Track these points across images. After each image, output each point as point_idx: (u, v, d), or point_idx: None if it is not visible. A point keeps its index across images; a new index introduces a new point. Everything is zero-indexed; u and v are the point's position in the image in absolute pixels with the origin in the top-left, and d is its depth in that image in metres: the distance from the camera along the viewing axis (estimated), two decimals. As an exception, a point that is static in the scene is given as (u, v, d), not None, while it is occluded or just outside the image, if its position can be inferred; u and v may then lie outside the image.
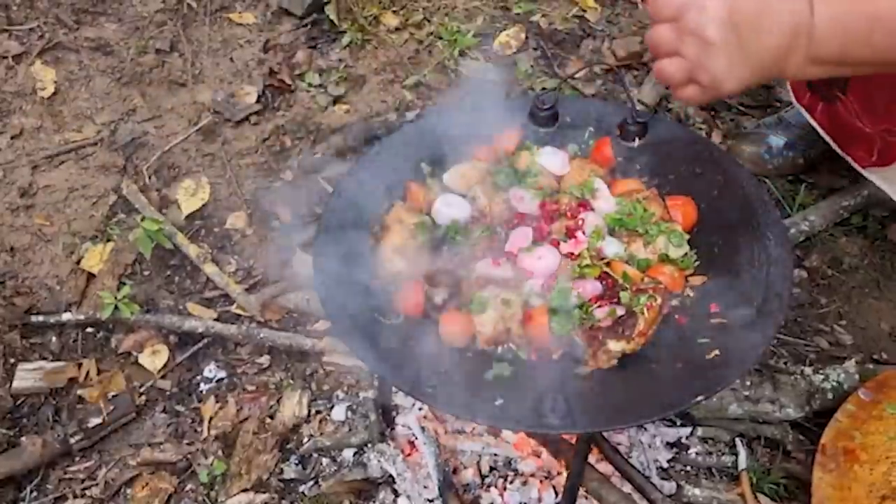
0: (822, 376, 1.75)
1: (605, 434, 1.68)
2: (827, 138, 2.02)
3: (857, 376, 1.74)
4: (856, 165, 1.95)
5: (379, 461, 1.67)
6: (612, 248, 1.44)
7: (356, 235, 1.47)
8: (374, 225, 1.49)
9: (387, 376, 1.23)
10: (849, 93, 1.87)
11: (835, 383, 1.74)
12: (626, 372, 1.26)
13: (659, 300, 1.33)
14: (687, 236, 1.46)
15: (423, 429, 1.68)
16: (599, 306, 1.34)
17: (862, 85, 1.83)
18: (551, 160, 1.58)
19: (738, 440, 1.75)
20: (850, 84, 1.86)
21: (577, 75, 2.58)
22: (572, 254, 1.44)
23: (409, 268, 1.41)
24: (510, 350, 1.33)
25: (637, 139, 1.60)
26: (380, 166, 1.58)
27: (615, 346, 1.28)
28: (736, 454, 1.73)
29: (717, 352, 1.25)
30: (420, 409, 1.74)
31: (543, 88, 2.52)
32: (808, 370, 1.78)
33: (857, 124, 1.88)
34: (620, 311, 1.32)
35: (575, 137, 1.64)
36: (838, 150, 2.00)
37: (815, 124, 2.04)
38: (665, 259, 1.43)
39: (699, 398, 1.17)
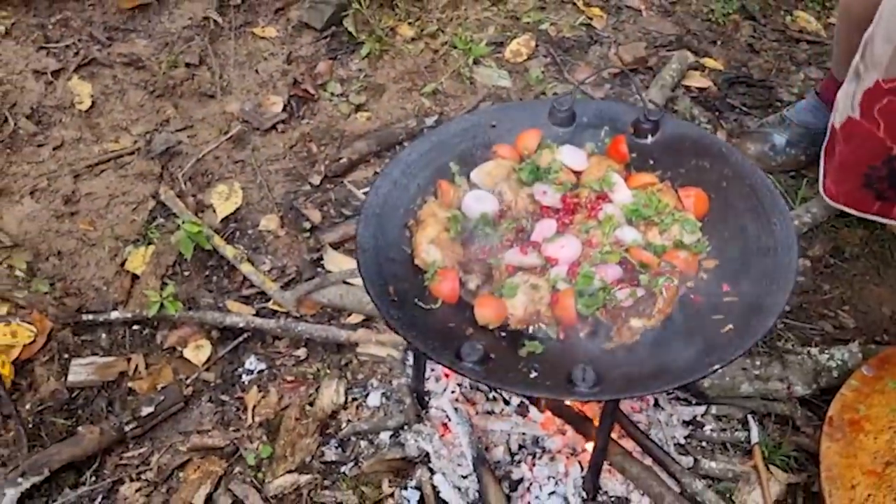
0: (827, 356, 1.86)
1: (625, 413, 1.80)
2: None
3: (860, 355, 1.85)
4: None
5: (416, 441, 1.78)
6: (630, 235, 1.56)
7: (394, 229, 1.59)
8: (409, 219, 1.62)
9: (431, 355, 1.35)
10: None
11: (839, 362, 1.85)
12: (648, 345, 1.39)
13: (675, 281, 1.45)
14: (699, 224, 1.58)
15: (456, 410, 1.79)
16: (621, 288, 1.46)
17: None
18: (571, 157, 1.70)
19: (749, 417, 1.86)
20: None
21: (585, 80, 2.70)
22: (590, 241, 1.56)
23: (444, 257, 1.53)
24: (540, 329, 1.45)
25: (650, 136, 1.73)
26: (411, 166, 1.70)
27: (637, 322, 1.40)
28: (748, 430, 1.84)
29: (730, 326, 1.37)
30: (452, 391, 1.85)
31: (555, 93, 2.64)
32: (814, 350, 1.89)
33: None
34: (640, 293, 1.44)
35: (592, 136, 1.76)
36: None
37: (871, 216, 2.14)
38: (679, 245, 1.54)
39: (716, 367, 1.29)
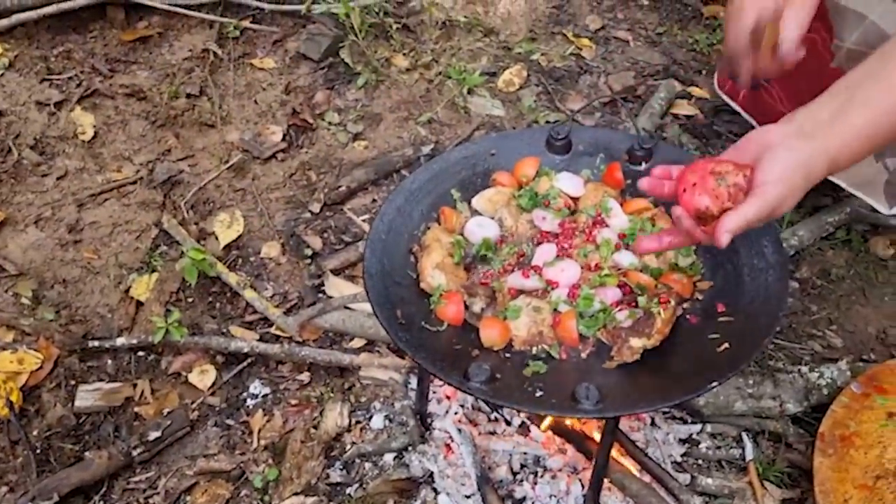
0: (817, 374, 1.92)
1: (624, 431, 1.84)
2: (751, 120, 2.25)
3: (848, 373, 1.91)
4: None
5: (420, 461, 1.82)
6: (627, 259, 1.62)
7: (399, 255, 1.65)
8: (413, 245, 1.68)
9: (439, 375, 1.39)
10: (773, 81, 2.06)
11: (829, 380, 1.91)
12: (648, 364, 1.44)
13: (672, 303, 1.51)
14: (693, 247, 1.64)
15: (459, 430, 1.84)
16: (620, 310, 1.52)
17: (788, 75, 2.02)
18: (568, 184, 1.76)
19: (744, 434, 1.91)
20: None
21: (579, 109, 2.77)
22: (589, 265, 1.62)
23: (449, 281, 1.58)
24: (544, 350, 1.50)
25: (644, 163, 1.80)
26: (414, 193, 1.76)
27: (637, 342, 1.45)
28: (743, 447, 1.89)
29: (726, 345, 1.43)
30: (455, 413, 1.90)
31: (547, 121, 2.72)
32: (805, 369, 1.95)
33: (779, 108, 2.07)
34: (639, 314, 1.50)
35: (588, 163, 1.83)
36: None
37: (738, 109, 2.25)
38: (675, 267, 1.61)
39: (714, 383, 1.34)
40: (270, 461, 1.90)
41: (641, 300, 1.52)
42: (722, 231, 1.23)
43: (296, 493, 1.82)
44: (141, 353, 2.10)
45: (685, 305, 1.56)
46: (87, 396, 1.98)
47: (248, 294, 2.19)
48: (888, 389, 1.83)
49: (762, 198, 1.24)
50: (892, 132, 1.33)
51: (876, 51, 1.38)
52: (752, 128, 2.12)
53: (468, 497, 1.78)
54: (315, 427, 1.94)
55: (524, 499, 1.78)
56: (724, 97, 2.30)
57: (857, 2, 1.77)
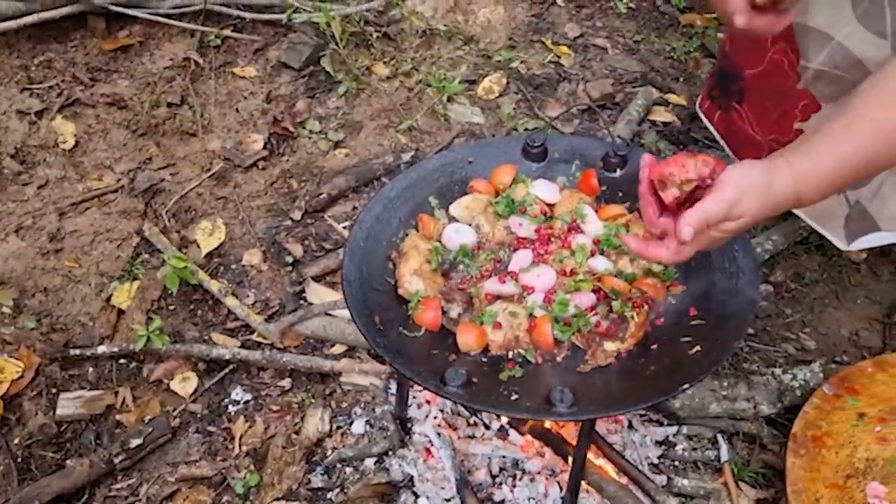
0: (790, 376, 1.96)
1: (601, 434, 1.87)
2: (722, 143, 2.28)
3: (821, 375, 1.95)
4: None
5: (400, 465, 1.84)
6: (601, 264, 1.64)
7: (377, 262, 1.67)
8: (392, 251, 1.70)
9: (417, 380, 1.42)
10: (744, 103, 2.10)
11: (802, 382, 1.94)
12: (621, 367, 1.47)
13: (646, 307, 1.54)
14: (666, 252, 1.67)
15: (438, 435, 1.86)
16: (594, 314, 1.55)
17: (757, 97, 2.04)
18: (544, 191, 1.79)
19: (719, 436, 1.94)
20: (746, 95, 2.08)
21: (557, 116, 2.81)
22: (564, 270, 1.64)
23: (427, 287, 1.61)
24: (520, 354, 1.53)
25: (619, 170, 1.83)
26: (392, 201, 1.78)
27: (611, 346, 1.48)
28: (718, 448, 1.92)
29: (698, 348, 1.46)
30: (435, 417, 1.92)
31: (527, 129, 2.75)
32: (778, 371, 1.98)
33: (749, 131, 2.10)
34: (613, 318, 1.53)
35: (563, 170, 1.86)
36: (731, 155, 2.26)
37: (712, 129, 2.29)
38: (649, 272, 1.63)
39: (685, 386, 1.37)
40: (252, 467, 1.91)
41: (615, 304, 1.55)
42: (682, 224, 1.27)
43: (277, 499, 1.84)
44: (122, 361, 2.11)
45: (659, 309, 1.59)
46: (69, 404, 1.98)
47: (230, 301, 2.20)
48: (859, 390, 1.87)
49: (721, 192, 1.28)
50: (860, 164, 1.33)
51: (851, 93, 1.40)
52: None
53: (448, 500, 1.80)
54: (296, 433, 1.96)
55: (503, 502, 1.80)
56: (703, 117, 2.33)
57: (823, 22, 1.79)
